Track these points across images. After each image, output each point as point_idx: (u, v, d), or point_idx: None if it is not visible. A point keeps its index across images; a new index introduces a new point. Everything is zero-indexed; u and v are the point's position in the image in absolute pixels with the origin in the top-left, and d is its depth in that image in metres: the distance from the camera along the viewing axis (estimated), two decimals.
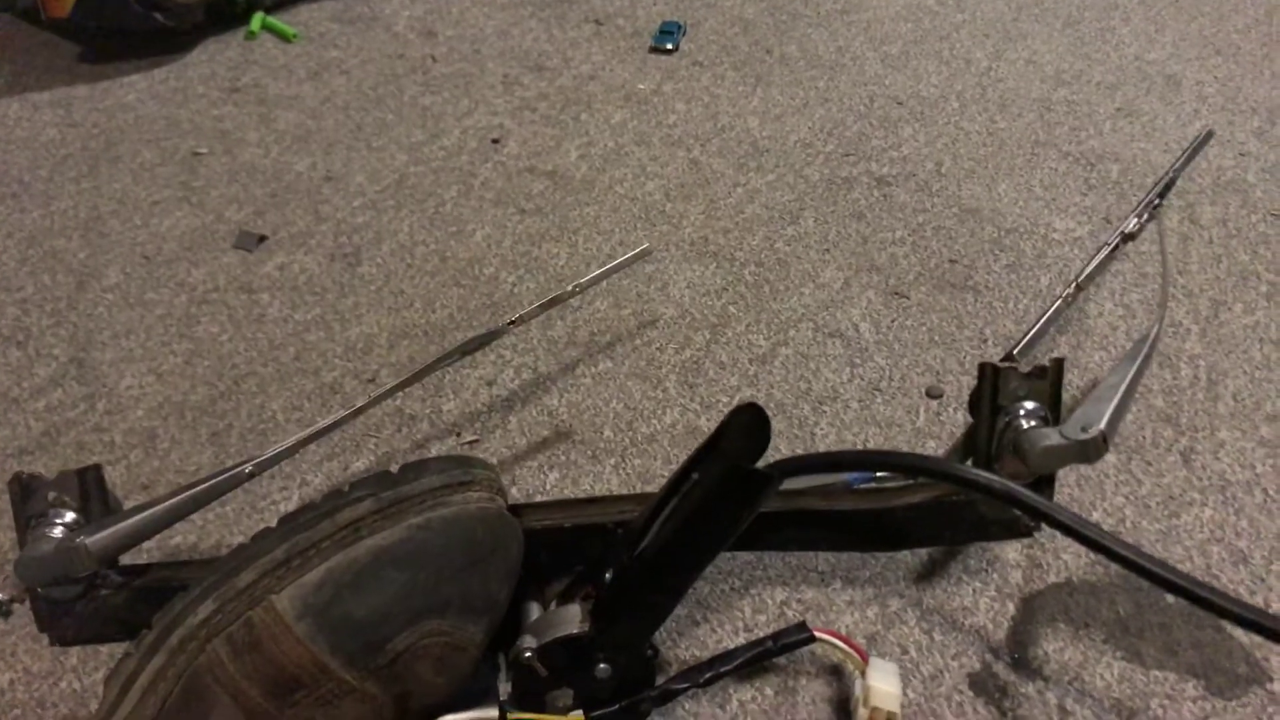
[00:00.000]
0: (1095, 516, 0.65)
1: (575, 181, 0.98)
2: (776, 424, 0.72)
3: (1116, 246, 0.76)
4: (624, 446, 0.71)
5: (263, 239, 0.90)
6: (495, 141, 1.04)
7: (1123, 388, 0.46)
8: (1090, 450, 0.44)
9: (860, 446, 0.70)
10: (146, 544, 0.62)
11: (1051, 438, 0.46)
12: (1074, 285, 0.69)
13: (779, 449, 0.70)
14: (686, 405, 0.74)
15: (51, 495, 0.47)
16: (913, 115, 1.08)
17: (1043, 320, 0.68)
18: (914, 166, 1.00)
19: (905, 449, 0.70)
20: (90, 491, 0.47)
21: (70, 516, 0.46)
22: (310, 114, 1.09)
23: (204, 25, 1.22)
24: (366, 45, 1.22)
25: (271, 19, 1.24)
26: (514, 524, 0.45)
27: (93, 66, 1.17)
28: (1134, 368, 0.48)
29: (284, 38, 1.23)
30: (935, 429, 0.72)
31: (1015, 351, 0.64)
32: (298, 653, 0.39)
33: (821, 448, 0.70)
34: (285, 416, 0.73)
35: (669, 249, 0.89)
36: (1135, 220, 0.71)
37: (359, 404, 0.60)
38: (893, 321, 0.81)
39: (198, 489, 0.48)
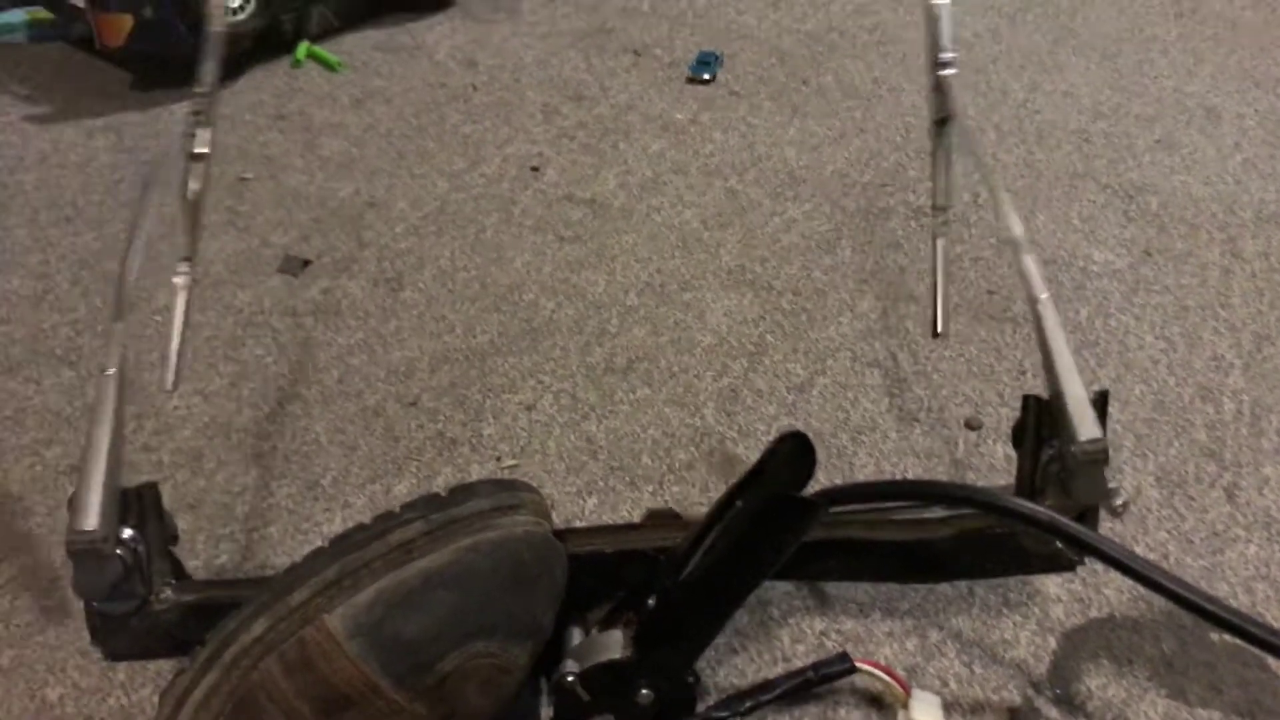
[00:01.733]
0: (1138, 551, 0.65)
1: (613, 209, 0.99)
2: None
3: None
4: (662, 473, 0.71)
5: (307, 264, 0.92)
6: (535, 169, 1.06)
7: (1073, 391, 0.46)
8: (1092, 460, 0.43)
9: (899, 477, 0.70)
10: (194, 563, 0.64)
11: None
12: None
13: (817, 479, 0.70)
14: (725, 433, 0.74)
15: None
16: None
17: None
18: (951, 197, 1.00)
19: (945, 480, 0.70)
20: (147, 509, 0.48)
21: (128, 533, 0.47)
22: (354, 141, 1.11)
23: (251, 54, 1.25)
24: (409, 74, 1.24)
25: (317, 48, 1.27)
26: (559, 548, 0.46)
27: (144, 94, 1.20)
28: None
29: (329, 67, 1.25)
30: (975, 460, 0.72)
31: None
32: (349, 672, 0.39)
33: (860, 478, 0.70)
34: (329, 439, 0.74)
35: (706, 277, 0.90)
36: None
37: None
38: (931, 352, 0.81)
39: None
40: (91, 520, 0.46)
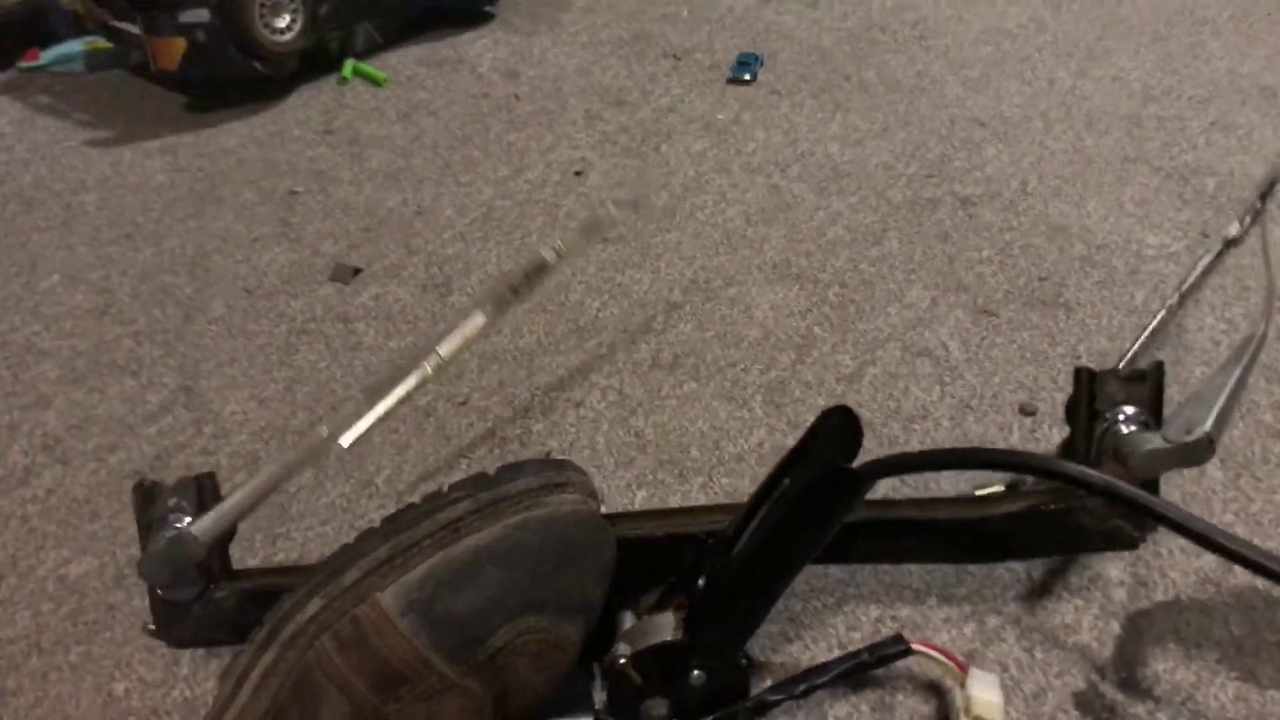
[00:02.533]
0: None
1: (656, 210, 0.99)
2: (866, 443, 0.71)
3: (1220, 252, 0.74)
4: (711, 465, 0.71)
5: (358, 271, 0.94)
6: (578, 174, 1.06)
7: (1227, 389, 0.45)
8: (1196, 452, 0.42)
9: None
10: (251, 561, 0.65)
11: (1154, 441, 0.45)
12: (1178, 295, 0.67)
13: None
14: (773, 425, 0.74)
15: (171, 501, 0.49)
16: (995, 136, 1.07)
17: (1146, 332, 0.67)
18: (999, 186, 0.99)
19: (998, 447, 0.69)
20: (206, 498, 0.50)
21: (188, 521, 0.48)
22: (400, 153, 1.13)
23: (299, 73, 1.28)
24: (453, 87, 1.26)
25: (362, 65, 1.29)
26: (607, 527, 0.46)
27: (197, 115, 1.23)
28: (1238, 370, 0.46)
29: (374, 82, 1.28)
30: (1030, 446, 0.70)
31: (1121, 365, 0.63)
32: (402, 648, 0.40)
33: None
34: (381, 439, 0.75)
35: (751, 272, 0.90)
36: (1238, 225, 0.69)
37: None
38: (982, 339, 0.80)
39: (283, 461, 0.50)
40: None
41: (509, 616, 0.41)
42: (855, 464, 0.43)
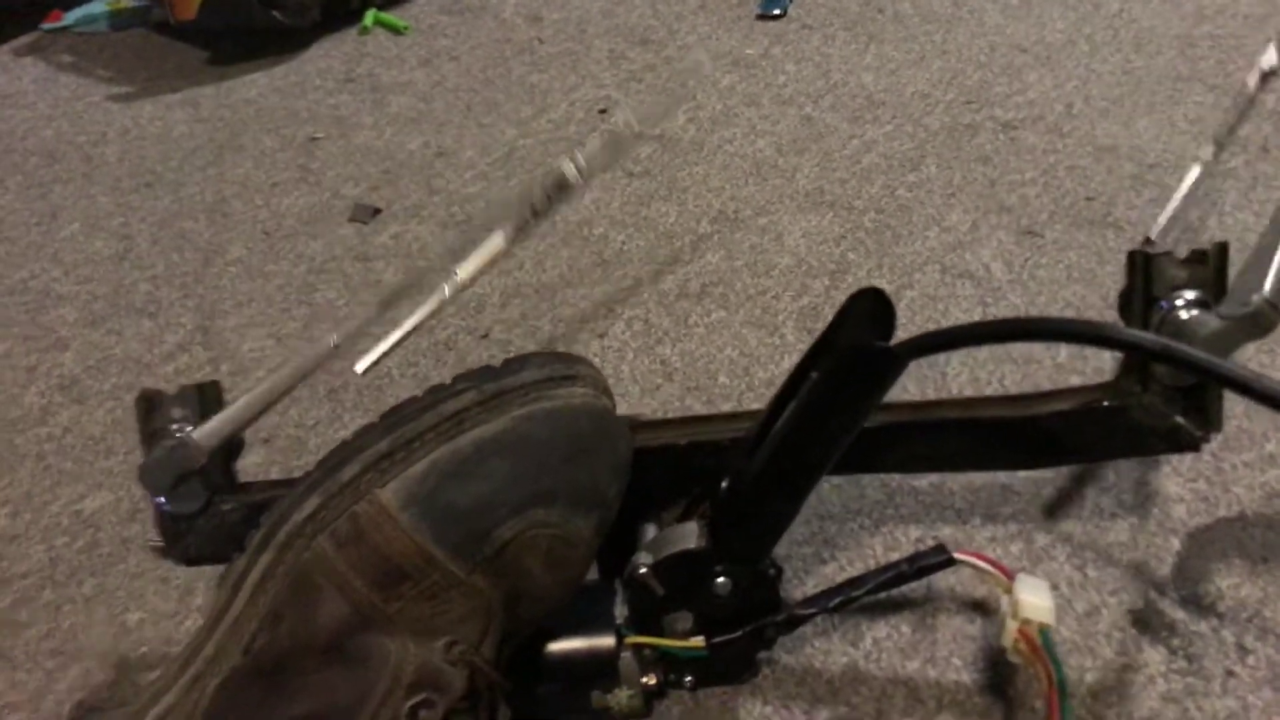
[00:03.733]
0: (1270, 448, 0.59)
1: (684, 143, 0.96)
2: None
3: (1257, 90, 0.68)
4: (740, 391, 0.68)
5: (377, 211, 0.91)
6: (602, 111, 1.03)
7: None
8: (1259, 322, 0.38)
9: (997, 385, 0.66)
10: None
11: (1211, 322, 0.41)
12: (1216, 144, 0.62)
13: (907, 389, 0.66)
14: (805, 349, 0.70)
15: (174, 411, 0.47)
16: (1038, 61, 1.02)
17: (1181, 194, 0.61)
18: (1042, 110, 0.94)
19: (1047, 386, 0.65)
20: (210, 407, 0.48)
21: (189, 429, 0.46)
22: (422, 98, 1.10)
23: (320, 24, 1.26)
24: (475, 33, 1.23)
25: (384, 14, 1.27)
26: (620, 421, 0.43)
27: (219, 68, 1.22)
28: None
29: (396, 31, 1.25)
30: (1078, 364, 0.66)
31: (1154, 236, 0.58)
32: (402, 542, 0.37)
33: (954, 388, 0.66)
34: (400, 372, 0.73)
35: (783, 201, 0.86)
36: (1276, 55, 0.63)
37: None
38: (1026, 260, 0.76)
39: (288, 367, 0.48)
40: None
41: (516, 509, 0.38)
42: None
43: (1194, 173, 0.63)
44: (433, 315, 0.62)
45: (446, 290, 0.63)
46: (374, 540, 0.38)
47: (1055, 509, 0.57)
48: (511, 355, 0.43)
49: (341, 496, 0.38)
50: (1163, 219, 0.63)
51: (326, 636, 0.38)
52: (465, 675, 0.38)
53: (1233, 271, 0.44)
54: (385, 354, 0.63)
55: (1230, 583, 0.52)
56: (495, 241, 0.65)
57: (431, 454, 0.38)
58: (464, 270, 0.64)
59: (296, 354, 0.52)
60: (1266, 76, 0.66)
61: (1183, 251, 0.45)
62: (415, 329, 0.63)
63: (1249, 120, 0.88)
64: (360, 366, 0.63)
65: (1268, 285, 0.38)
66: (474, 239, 0.62)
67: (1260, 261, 0.39)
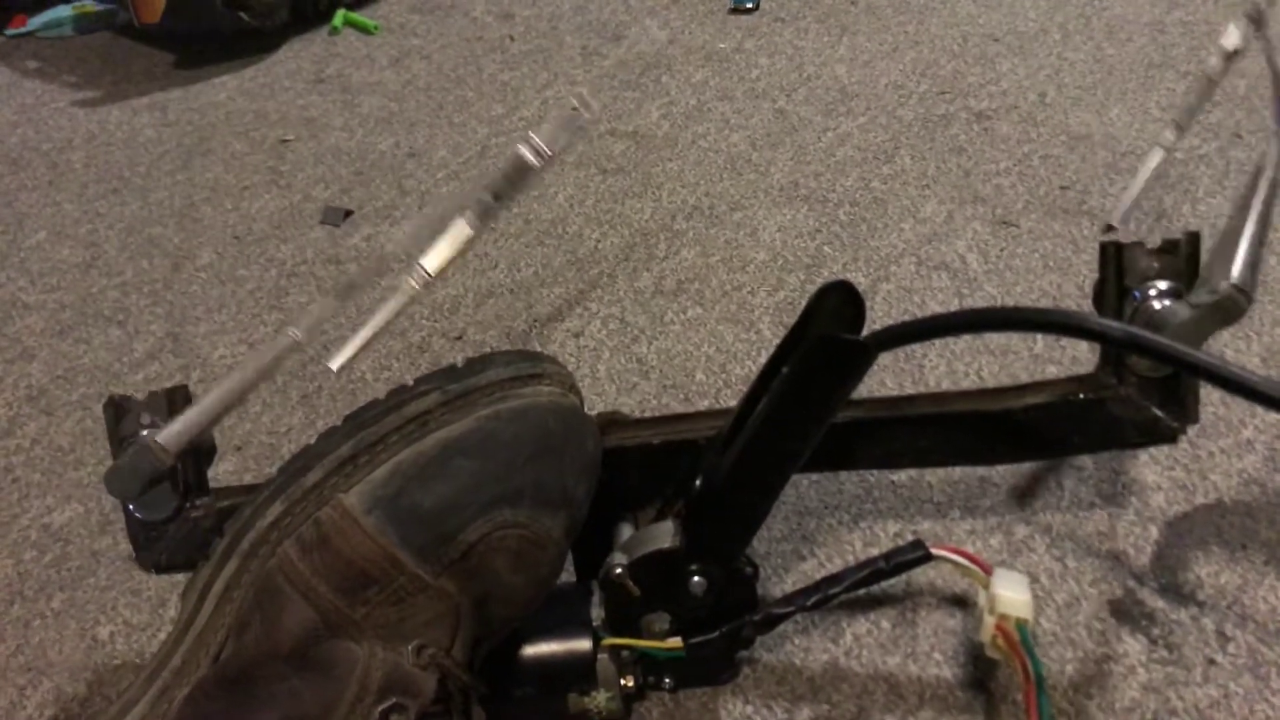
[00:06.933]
0: (1245, 436, 0.59)
1: (657, 139, 0.95)
2: (882, 359, 0.67)
3: (1222, 73, 0.68)
4: (717, 389, 0.68)
5: (349, 214, 0.90)
6: (575, 109, 1.02)
7: (1248, 232, 0.39)
8: (1228, 309, 0.38)
9: (974, 375, 0.65)
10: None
11: (1182, 311, 0.40)
12: (1177, 127, 0.62)
13: (885, 384, 0.66)
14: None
15: (143, 416, 0.46)
16: (1010, 50, 1.02)
17: (1142, 178, 0.61)
18: (1015, 99, 0.94)
19: (1024, 378, 0.65)
20: (179, 412, 0.46)
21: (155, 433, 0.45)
22: (393, 97, 1.09)
23: (289, 25, 1.24)
24: (445, 32, 1.22)
25: (353, 14, 1.26)
26: (588, 419, 0.42)
27: (187, 71, 1.20)
28: (1256, 208, 0.41)
29: (366, 31, 1.24)
30: (1055, 354, 0.66)
31: (1116, 221, 0.58)
32: (367, 546, 0.37)
33: (931, 380, 0.66)
34: (374, 376, 0.72)
35: (757, 196, 0.85)
36: (1238, 34, 0.62)
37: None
38: (1002, 250, 0.76)
39: (250, 365, 0.46)
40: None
41: (482, 510, 0.38)
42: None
43: (1155, 156, 0.62)
44: (406, 308, 0.61)
45: (414, 282, 0.62)
46: (338, 545, 0.37)
47: (1034, 500, 0.56)
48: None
49: (305, 502, 0.37)
50: (1124, 203, 0.62)
51: (293, 644, 0.37)
52: (436, 679, 0.38)
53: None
54: (359, 351, 0.62)
55: (1209, 570, 0.52)
56: (461, 230, 0.64)
57: (395, 456, 0.38)
58: (431, 260, 0.63)
59: (258, 351, 0.50)
60: (1230, 57, 0.66)
61: (1156, 240, 0.45)
62: (389, 324, 0.61)
63: (1221, 106, 0.88)
64: (335, 364, 0.62)
65: (1234, 271, 0.38)
66: (437, 229, 0.60)
67: (1226, 248, 0.39)
